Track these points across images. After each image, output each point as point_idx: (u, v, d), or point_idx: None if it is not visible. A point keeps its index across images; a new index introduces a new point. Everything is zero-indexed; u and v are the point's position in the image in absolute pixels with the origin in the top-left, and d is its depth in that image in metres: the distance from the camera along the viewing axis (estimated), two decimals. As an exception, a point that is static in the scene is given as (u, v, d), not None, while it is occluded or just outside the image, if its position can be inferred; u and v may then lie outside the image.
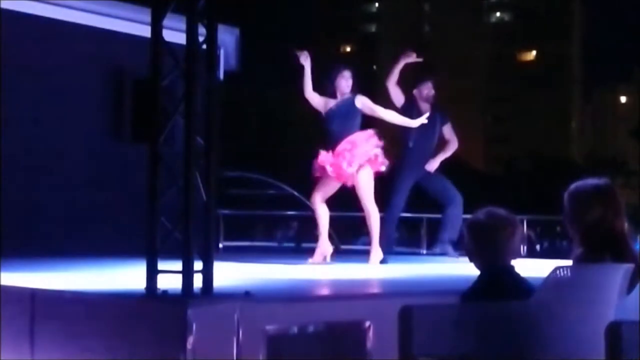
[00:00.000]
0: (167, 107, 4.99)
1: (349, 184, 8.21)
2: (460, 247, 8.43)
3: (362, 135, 8.23)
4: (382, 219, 8.87)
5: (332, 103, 8.36)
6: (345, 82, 8.36)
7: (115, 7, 10.71)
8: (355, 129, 8.28)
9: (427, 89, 9.46)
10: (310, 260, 8.27)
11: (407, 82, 9.59)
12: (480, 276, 4.19)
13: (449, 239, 9.39)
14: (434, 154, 9.51)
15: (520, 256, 4.24)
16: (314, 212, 8.35)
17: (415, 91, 9.47)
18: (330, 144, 8.22)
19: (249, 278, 6.45)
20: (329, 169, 8.12)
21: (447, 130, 9.65)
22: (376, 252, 8.24)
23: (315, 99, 8.42)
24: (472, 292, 4.16)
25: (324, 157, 8.15)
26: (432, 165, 9.40)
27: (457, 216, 9.31)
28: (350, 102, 8.34)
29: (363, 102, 8.36)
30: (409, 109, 9.15)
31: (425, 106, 9.36)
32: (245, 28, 12.77)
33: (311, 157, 8.35)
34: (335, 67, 8.52)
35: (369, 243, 8.45)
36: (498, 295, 3.99)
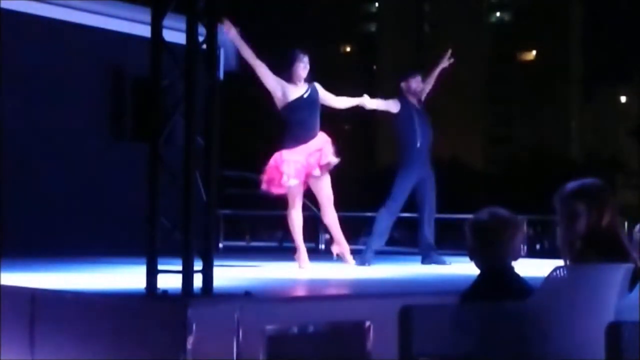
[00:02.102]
0: (167, 107, 4.99)
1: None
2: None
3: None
4: (378, 220, 8.58)
5: (294, 90, 7.83)
6: (303, 67, 7.84)
7: (115, 7, 10.71)
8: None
9: (415, 83, 8.73)
10: (302, 265, 7.91)
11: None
12: (479, 276, 4.19)
13: (434, 252, 8.80)
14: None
15: (520, 256, 4.24)
16: (290, 217, 7.85)
17: (402, 84, 8.77)
18: (303, 136, 7.78)
19: (249, 278, 6.45)
20: (317, 172, 7.78)
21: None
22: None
23: (271, 79, 7.79)
24: (472, 292, 4.17)
25: (307, 165, 7.74)
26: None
27: (430, 232, 8.76)
28: (316, 91, 7.91)
29: (322, 91, 7.98)
30: (401, 104, 8.64)
31: (413, 100, 8.73)
32: (245, 28, 12.74)
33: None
34: (293, 51, 7.94)
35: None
36: (497, 295, 3.99)
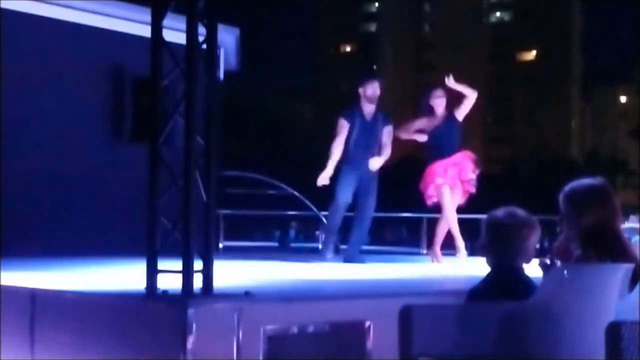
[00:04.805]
0: (167, 107, 4.99)
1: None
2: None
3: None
4: (326, 219, 9.04)
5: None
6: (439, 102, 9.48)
7: (115, 7, 10.71)
8: None
9: (371, 89, 9.00)
10: (440, 260, 9.08)
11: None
12: (488, 274, 4.19)
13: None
14: (376, 154, 9.04)
15: (533, 258, 4.22)
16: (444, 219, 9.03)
17: (360, 89, 9.05)
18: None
19: (249, 278, 6.45)
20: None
21: (386, 133, 9.10)
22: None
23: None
24: (478, 291, 4.16)
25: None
26: (375, 163, 8.99)
27: (362, 237, 9.21)
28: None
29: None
30: (353, 109, 9.05)
31: (368, 107, 9.02)
32: (246, 28, 12.76)
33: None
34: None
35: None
36: (504, 294, 3.99)
